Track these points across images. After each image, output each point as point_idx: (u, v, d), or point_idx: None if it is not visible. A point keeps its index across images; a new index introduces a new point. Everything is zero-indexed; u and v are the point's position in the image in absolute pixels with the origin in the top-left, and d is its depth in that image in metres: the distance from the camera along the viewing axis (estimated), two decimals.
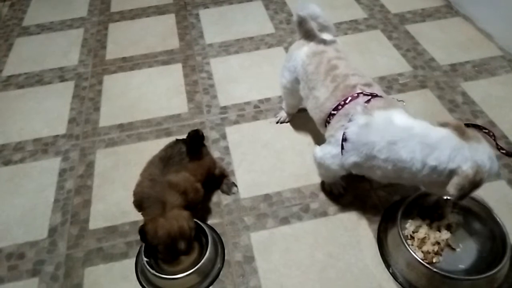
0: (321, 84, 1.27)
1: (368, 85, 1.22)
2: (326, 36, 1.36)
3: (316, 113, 1.31)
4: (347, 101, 1.19)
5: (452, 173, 1.01)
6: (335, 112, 1.21)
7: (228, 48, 2.10)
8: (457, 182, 1.00)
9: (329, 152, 1.22)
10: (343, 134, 1.15)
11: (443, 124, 1.06)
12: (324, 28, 1.38)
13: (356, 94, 1.19)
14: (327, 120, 1.25)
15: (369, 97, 1.17)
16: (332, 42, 1.35)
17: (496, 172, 1.07)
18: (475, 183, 1.01)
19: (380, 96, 1.19)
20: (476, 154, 1.00)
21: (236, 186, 1.45)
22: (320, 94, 1.27)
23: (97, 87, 1.93)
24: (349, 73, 1.24)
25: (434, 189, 1.13)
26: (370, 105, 1.14)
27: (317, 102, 1.28)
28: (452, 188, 1.01)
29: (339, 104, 1.20)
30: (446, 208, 1.25)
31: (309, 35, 1.36)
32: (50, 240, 1.35)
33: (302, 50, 1.37)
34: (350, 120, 1.15)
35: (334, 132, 1.20)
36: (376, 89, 1.22)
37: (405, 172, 1.07)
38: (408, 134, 1.05)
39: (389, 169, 1.09)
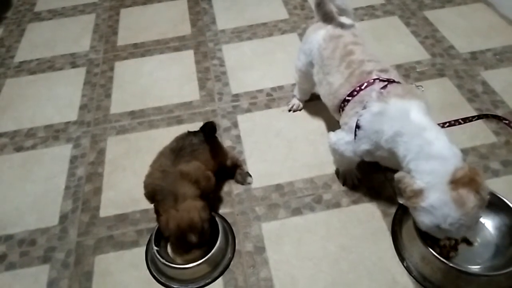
0: (335, 70, 1.24)
1: (385, 71, 1.19)
2: (344, 20, 1.32)
3: (329, 100, 1.28)
4: (362, 87, 1.16)
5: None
6: (349, 98, 1.18)
7: (240, 34, 2.06)
8: (400, 180, 1.02)
9: (342, 138, 1.21)
10: (357, 121, 1.13)
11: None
12: (342, 11, 1.34)
13: (372, 80, 1.15)
14: (341, 107, 1.22)
15: (386, 83, 1.14)
16: (350, 27, 1.31)
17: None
18: (406, 199, 1.01)
19: (398, 82, 1.16)
20: (443, 210, 0.95)
21: (250, 176, 1.42)
22: (334, 80, 1.24)
23: (109, 74, 1.91)
24: (365, 59, 1.21)
25: None
26: (386, 91, 1.11)
27: (331, 88, 1.25)
28: (397, 174, 1.04)
29: (354, 90, 1.17)
30: None
31: (327, 18, 1.32)
32: (61, 227, 1.35)
33: (319, 33, 1.33)
34: (364, 107, 1.12)
35: (348, 119, 1.18)
36: (393, 75, 1.18)
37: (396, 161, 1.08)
38: (417, 133, 1.02)
39: (386, 156, 1.10)
